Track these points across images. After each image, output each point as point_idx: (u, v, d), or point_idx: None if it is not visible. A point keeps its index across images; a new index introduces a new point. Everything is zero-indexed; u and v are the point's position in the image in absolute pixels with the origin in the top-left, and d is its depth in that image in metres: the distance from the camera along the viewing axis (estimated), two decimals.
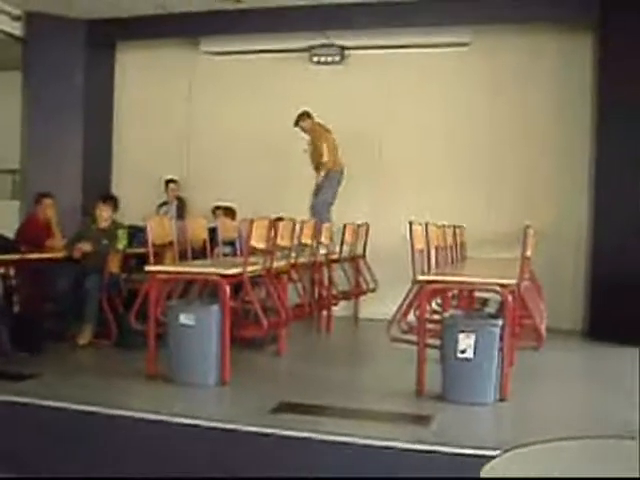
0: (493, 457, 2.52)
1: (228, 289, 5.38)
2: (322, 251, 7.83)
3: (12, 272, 7.29)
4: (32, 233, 7.62)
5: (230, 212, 8.98)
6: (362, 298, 9.06)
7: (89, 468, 4.46)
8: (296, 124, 8.81)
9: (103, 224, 7.45)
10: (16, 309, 7.27)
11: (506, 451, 2.62)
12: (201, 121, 10.06)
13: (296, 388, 5.54)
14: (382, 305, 8.04)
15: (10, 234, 7.79)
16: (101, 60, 10.16)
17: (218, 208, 9.08)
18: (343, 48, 9.47)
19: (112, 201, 7.66)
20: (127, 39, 10.05)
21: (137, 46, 10.13)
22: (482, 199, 8.96)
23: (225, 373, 5.38)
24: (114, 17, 9.52)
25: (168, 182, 9.78)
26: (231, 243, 7.33)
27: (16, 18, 9.39)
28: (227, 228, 7.20)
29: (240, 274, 5.60)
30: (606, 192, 8.12)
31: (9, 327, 6.26)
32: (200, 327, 5.34)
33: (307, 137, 8.83)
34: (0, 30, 9.31)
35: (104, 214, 7.46)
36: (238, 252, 6.93)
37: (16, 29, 9.44)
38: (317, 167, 8.71)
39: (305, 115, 8.81)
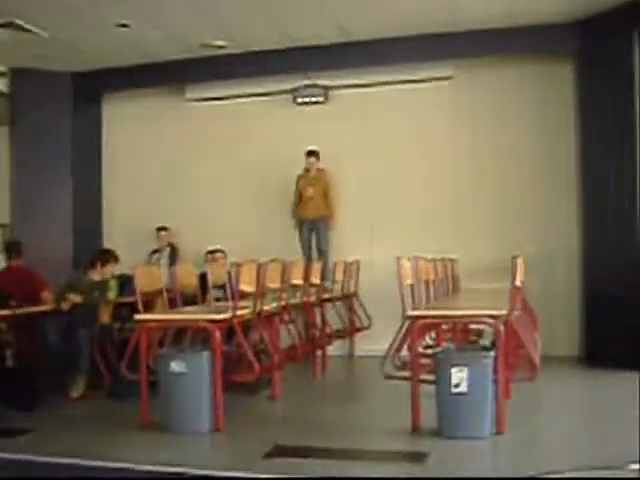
0: None
1: (219, 334, 5.36)
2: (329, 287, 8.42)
3: (4, 326, 7.23)
4: (25, 285, 7.57)
5: (222, 255, 8.99)
6: (357, 336, 9.04)
7: None
8: (312, 155, 9.20)
9: (97, 277, 7.45)
10: (9, 363, 7.21)
11: None
12: (189, 167, 10.11)
13: (290, 431, 5.48)
14: (378, 341, 7.99)
15: None
16: (88, 112, 10.25)
17: (212, 252, 9.08)
18: (326, 88, 9.57)
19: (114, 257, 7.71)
20: (113, 90, 10.14)
21: (123, 97, 10.22)
22: (472, 230, 8.96)
23: (219, 419, 5.34)
24: (99, 69, 9.62)
25: (159, 229, 9.81)
26: (222, 287, 7.32)
27: (1, 74, 9.50)
28: (216, 273, 7.18)
29: (229, 319, 5.58)
30: (595, 217, 8.21)
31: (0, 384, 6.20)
32: (192, 374, 5.31)
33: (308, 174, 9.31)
34: None
35: (112, 270, 7.49)
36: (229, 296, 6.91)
37: (2, 85, 9.54)
38: (326, 212, 9.25)
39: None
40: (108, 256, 7.63)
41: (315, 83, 9.54)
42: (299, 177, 9.35)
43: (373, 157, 9.44)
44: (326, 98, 9.59)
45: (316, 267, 7.89)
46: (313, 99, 9.58)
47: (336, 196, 9.34)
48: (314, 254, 9.21)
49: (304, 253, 9.16)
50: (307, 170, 9.32)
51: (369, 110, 9.47)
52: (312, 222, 9.27)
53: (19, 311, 6.79)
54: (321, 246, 9.25)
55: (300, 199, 9.32)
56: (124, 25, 8.10)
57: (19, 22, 7.86)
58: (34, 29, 8.08)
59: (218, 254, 8.99)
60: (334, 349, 8.74)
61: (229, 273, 6.67)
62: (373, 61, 8.99)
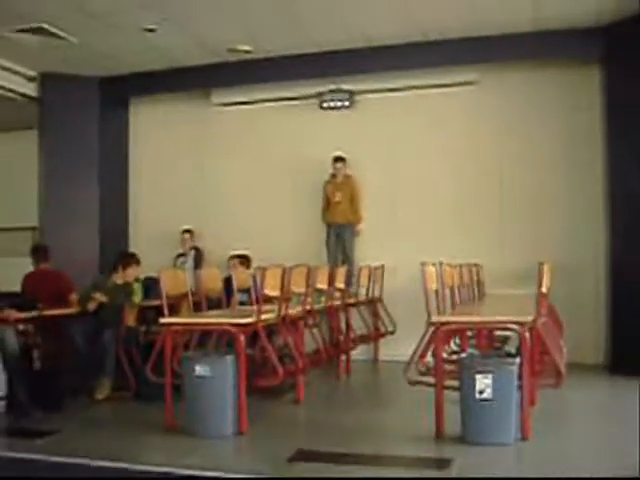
0: None
1: (243, 338, 5.37)
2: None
3: (31, 328, 7.30)
4: (53, 287, 7.64)
5: (245, 260, 9.02)
6: (381, 341, 9.02)
7: None
8: (339, 161, 9.22)
9: (119, 280, 7.49)
10: (36, 365, 7.28)
11: None
12: (215, 172, 10.17)
13: (314, 436, 5.49)
14: (402, 347, 7.98)
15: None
16: (115, 116, 10.35)
17: (233, 257, 9.11)
18: (352, 92, 9.57)
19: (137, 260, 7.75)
20: (140, 95, 10.23)
21: (150, 101, 10.31)
22: (497, 235, 8.93)
23: (242, 423, 5.34)
24: (126, 74, 9.71)
25: (183, 232, 9.87)
26: (247, 291, 7.34)
27: (31, 79, 9.61)
28: (241, 277, 7.21)
29: (254, 323, 5.59)
30: (623, 224, 8.08)
31: (28, 385, 6.26)
32: (216, 378, 5.32)
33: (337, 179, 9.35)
34: (16, 91, 9.55)
35: (135, 273, 7.53)
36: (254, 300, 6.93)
37: (31, 89, 9.68)
38: (353, 218, 9.31)
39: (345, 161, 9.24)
40: (130, 259, 7.68)
41: (340, 88, 9.54)
42: (326, 183, 9.38)
43: (399, 161, 9.44)
44: (352, 103, 9.59)
45: (341, 272, 7.89)
46: (339, 104, 9.58)
47: (362, 201, 9.36)
48: (339, 259, 9.22)
49: (329, 258, 9.17)
50: (334, 176, 9.34)
51: (395, 115, 9.46)
52: (339, 227, 9.31)
53: (46, 313, 6.85)
54: (346, 251, 9.28)
55: (328, 204, 9.35)
56: (151, 30, 8.17)
57: (48, 28, 7.95)
58: (62, 34, 8.17)
59: (236, 260, 9.01)
60: (358, 354, 8.73)
61: (254, 277, 6.69)
62: (398, 66, 8.98)
